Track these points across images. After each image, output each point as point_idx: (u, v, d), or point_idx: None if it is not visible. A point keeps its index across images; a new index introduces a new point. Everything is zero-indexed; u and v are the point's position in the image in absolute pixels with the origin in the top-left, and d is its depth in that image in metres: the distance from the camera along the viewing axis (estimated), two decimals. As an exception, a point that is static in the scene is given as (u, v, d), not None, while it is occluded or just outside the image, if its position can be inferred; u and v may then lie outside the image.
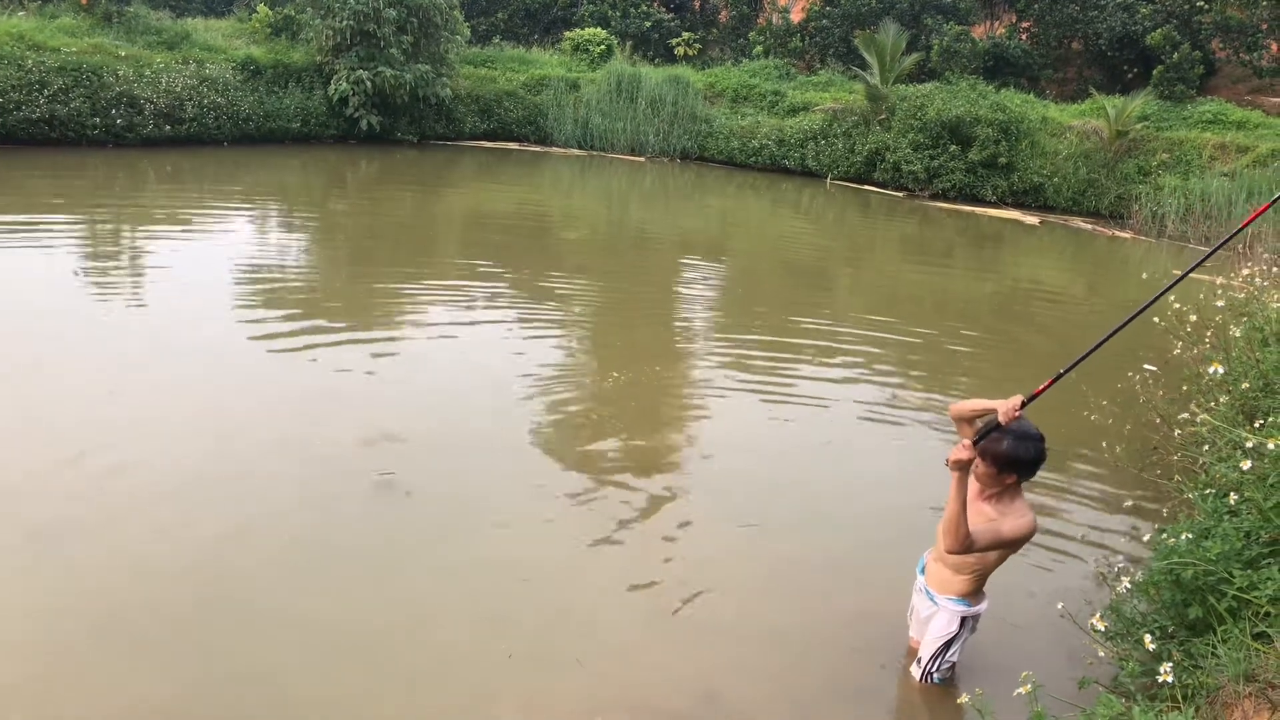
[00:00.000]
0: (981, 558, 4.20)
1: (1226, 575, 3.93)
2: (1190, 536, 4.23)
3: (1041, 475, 6.24)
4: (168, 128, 18.39)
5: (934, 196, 20.49)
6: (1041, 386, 3.82)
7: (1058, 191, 19.87)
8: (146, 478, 5.61)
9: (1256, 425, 4.75)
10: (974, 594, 4.32)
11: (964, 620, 4.34)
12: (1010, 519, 4.04)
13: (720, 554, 5.47)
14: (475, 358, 8.27)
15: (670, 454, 6.73)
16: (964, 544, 3.95)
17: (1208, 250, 4.06)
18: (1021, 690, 3.23)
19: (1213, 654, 3.68)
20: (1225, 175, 18.25)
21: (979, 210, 19.83)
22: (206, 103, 18.86)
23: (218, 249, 11.53)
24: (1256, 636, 3.65)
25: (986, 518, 4.09)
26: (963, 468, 3.87)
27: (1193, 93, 20.82)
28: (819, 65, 25.45)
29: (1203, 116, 20.02)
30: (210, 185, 16.40)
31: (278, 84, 20.37)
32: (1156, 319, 7.04)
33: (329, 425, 6.53)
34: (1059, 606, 4.42)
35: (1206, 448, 5.05)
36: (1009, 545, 4.06)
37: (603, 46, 24.99)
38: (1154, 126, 20.03)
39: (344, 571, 4.92)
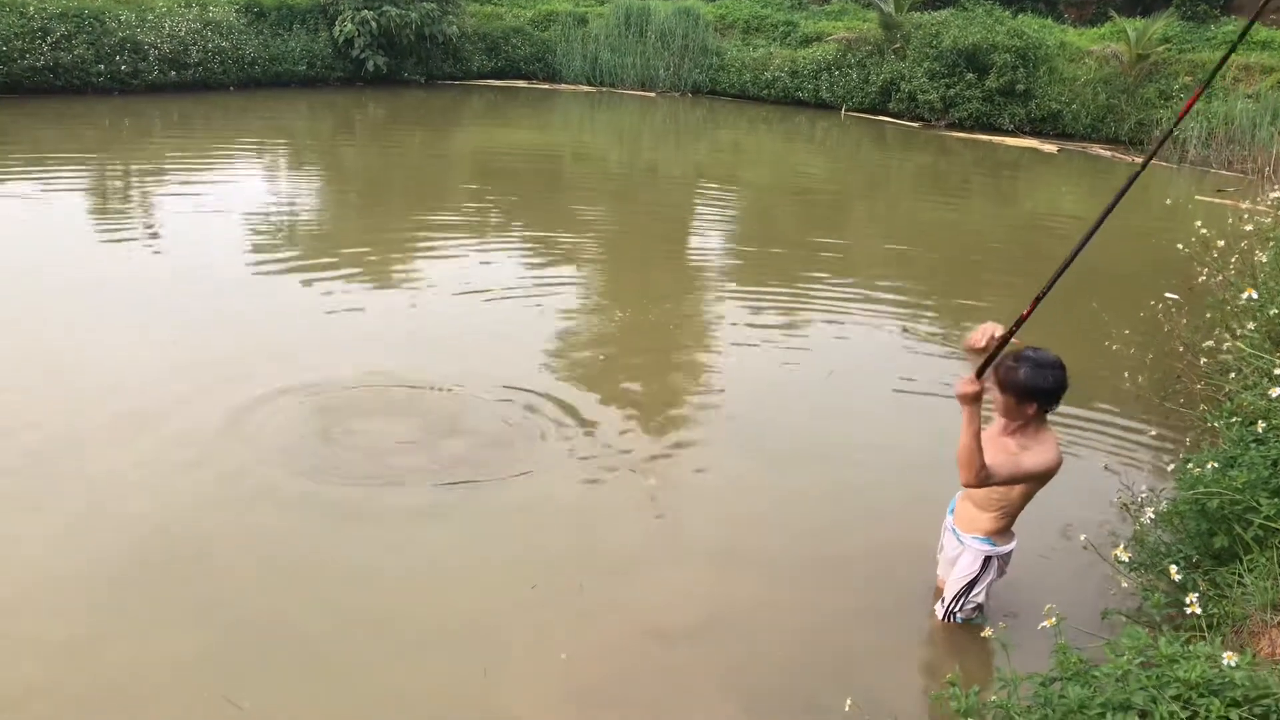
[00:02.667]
0: (1006, 494, 4.13)
1: (1253, 504, 3.88)
2: (1216, 466, 4.17)
3: (1062, 405, 6.18)
4: (173, 73, 18.18)
5: (950, 126, 20.13)
6: (1025, 311, 3.71)
7: (1076, 118, 19.48)
8: (175, 425, 5.62)
9: (1284, 352, 4.66)
10: (1000, 533, 4.26)
11: (988, 560, 4.29)
12: (1032, 453, 3.96)
13: (732, 486, 5.47)
14: (487, 299, 8.19)
15: (683, 391, 6.69)
16: (980, 477, 3.87)
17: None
18: (1046, 623, 3.19)
19: (1239, 583, 3.64)
20: (1249, 97, 17.82)
21: (996, 139, 19.49)
22: (211, 47, 18.62)
23: (228, 196, 11.40)
24: (1284, 565, 3.59)
25: (1009, 452, 4.02)
26: (970, 401, 3.76)
27: (1216, 12, 20.27)
28: (832, -7, 24.92)
29: (1227, 37, 19.47)
30: (218, 131, 16.27)
31: (282, 26, 20.05)
32: (1181, 246, 6.90)
33: (339, 367, 6.51)
34: (1082, 539, 4.38)
35: (1233, 375, 4.97)
36: (1031, 479, 3.99)
37: (611, -21, 24.49)
38: (1176, 49, 19.54)
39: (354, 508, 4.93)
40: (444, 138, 17.24)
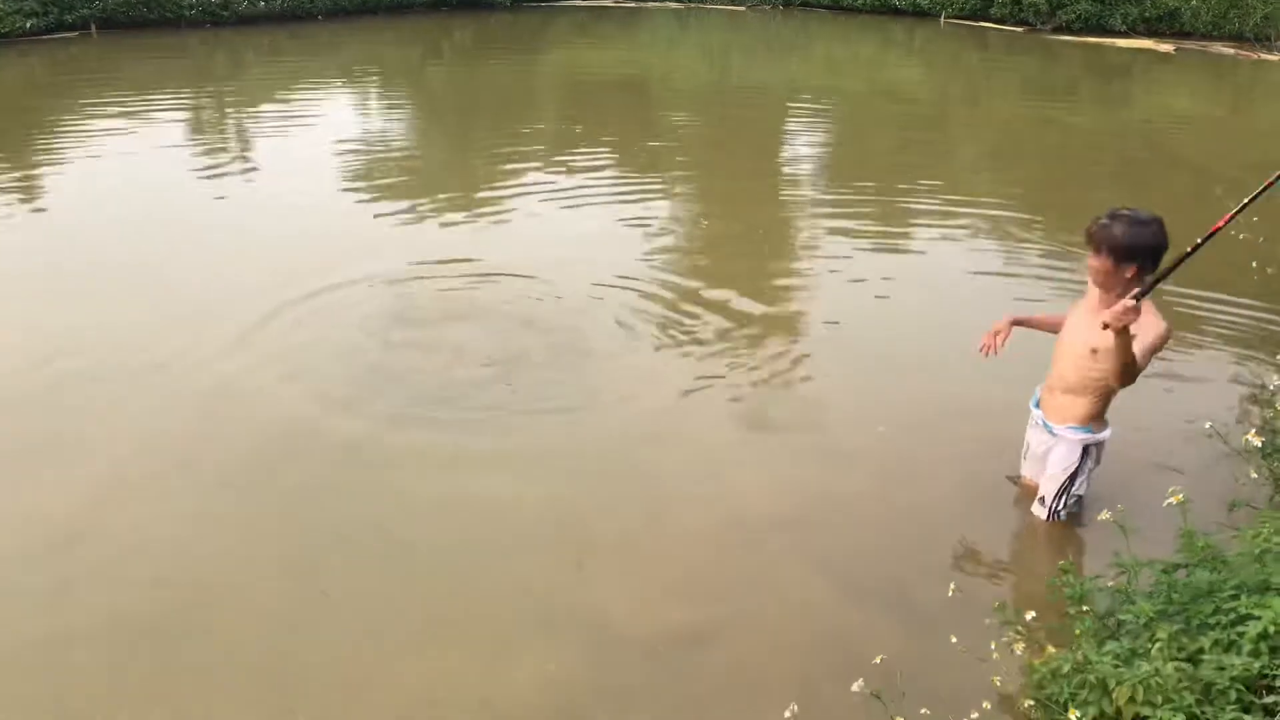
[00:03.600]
0: (1104, 376, 3.82)
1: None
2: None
3: (1182, 293, 5.82)
4: (262, 4, 18.27)
5: (1057, 29, 19.10)
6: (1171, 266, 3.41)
7: (1196, 15, 18.28)
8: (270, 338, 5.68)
9: None
10: (1097, 419, 3.98)
11: (1086, 449, 4.02)
12: (1144, 330, 3.65)
13: (825, 388, 5.30)
14: (580, 226, 7.99)
15: (778, 300, 6.46)
16: (1134, 378, 3.64)
17: None
18: (1172, 500, 2.95)
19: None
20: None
21: (1107, 41, 18.44)
22: (299, -24, 18.65)
23: (320, 128, 11.40)
24: None
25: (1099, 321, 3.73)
26: (1130, 320, 3.35)
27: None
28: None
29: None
30: (310, 61, 16.33)
31: (368, -47, 19.98)
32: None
33: (436, 288, 6.48)
34: (1207, 426, 4.08)
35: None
36: (1157, 350, 3.68)
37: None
38: (1310, -68, 18.15)
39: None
40: (532, 60, 16.98)
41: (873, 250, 7.46)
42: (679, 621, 3.54)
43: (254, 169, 9.61)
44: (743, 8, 22.01)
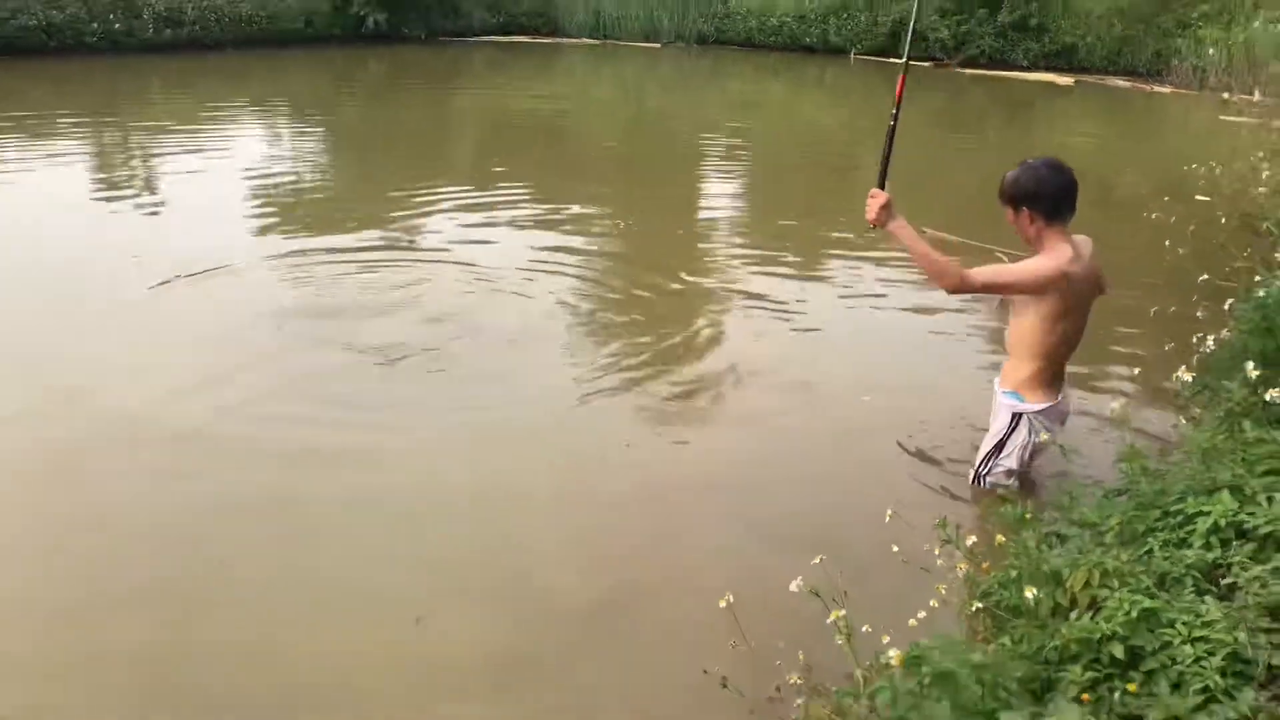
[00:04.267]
0: (1031, 336, 3.72)
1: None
2: (1283, 284, 3.83)
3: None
4: (168, 31, 17.90)
5: (963, 64, 19.67)
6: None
7: (1092, 51, 19.02)
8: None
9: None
10: (1026, 386, 3.80)
11: (1017, 418, 3.89)
12: (1029, 261, 3.62)
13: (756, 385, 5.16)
14: (491, 264, 7.24)
15: (695, 354, 6.08)
16: (957, 281, 3.60)
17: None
18: (1113, 406, 2.84)
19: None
20: (1271, 22, 17.32)
21: (1011, 75, 19.03)
22: (206, 4, 18.32)
23: (227, 158, 10.85)
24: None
25: None
26: (885, 217, 3.62)
27: (1234, -61, 19.75)
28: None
29: (1245, -36, 19.00)
30: (216, 91, 15.94)
31: (280, -17, 19.76)
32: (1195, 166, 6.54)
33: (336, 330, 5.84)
34: (1134, 372, 4.04)
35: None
36: (1025, 283, 3.60)
37: (612, -68, 24.07)
38: (1194, -23, 19.06)
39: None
40: (447, 94, 16.81)
41: (788, 277, 7.24)
42: (610, 585, 3.34)
43: (148, 197, 9.01)
44: (658, 45, 22.25)
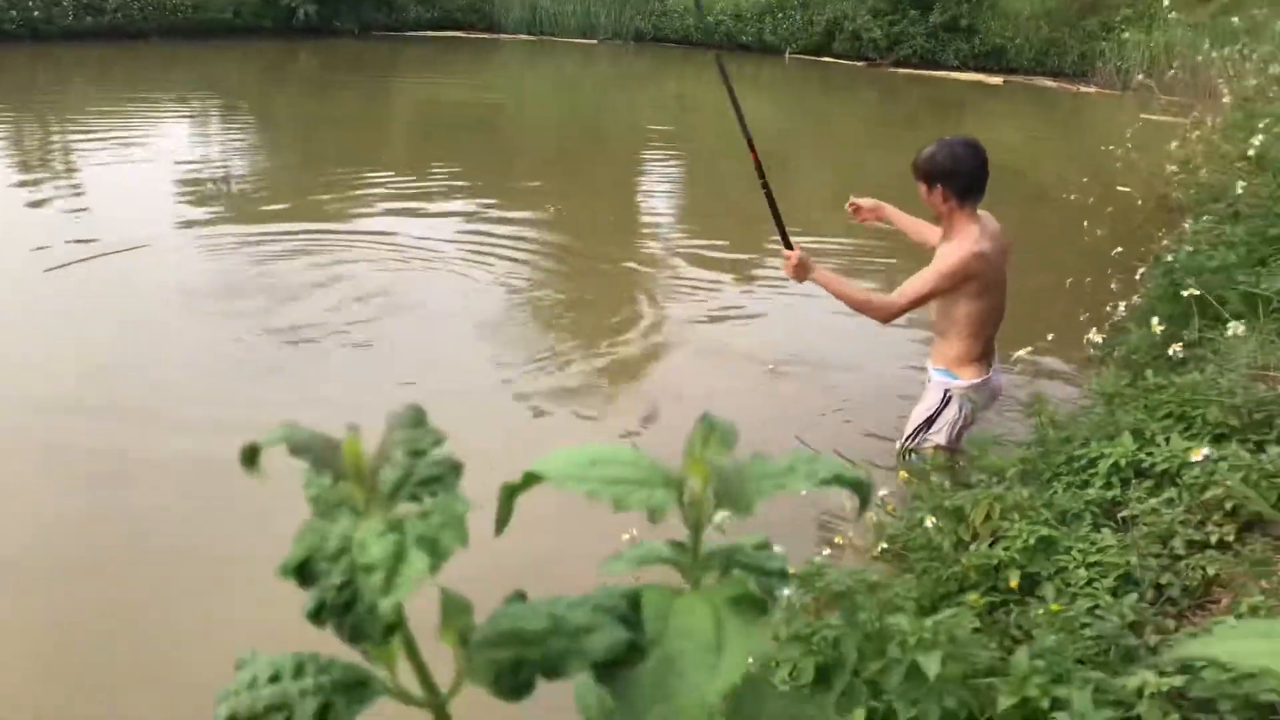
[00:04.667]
0: (953, 313, 3.77)
1: (1229, 281, 3.62)
2: (1190, 250, 3.92)
3: (1014, 252, 5.92)
4: (89, 19, 17.40)
5: (896, 64, 19.88)
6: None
7: (1020, 52, 19.33)
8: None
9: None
10: (958, 363, 3.83)
11: (949, 395, 3.92)
12: (940, 257, 3.67)
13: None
14: (418, 247, 7.25)
15: (622, 335, 5.86)
16: (888, 309, 3.67)
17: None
18: (1022, 354, 2.87)
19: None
20: (1189, 26, 17.79)
21: (942, 74, 19.30)
22: (130, -9, 17.84)
23: (150, 146, 10.57)
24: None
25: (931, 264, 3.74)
26: (804, 272, 3.68)
27: (1155, -55, 20.26)
28: (772, -62, 24.59)
29: (1165, -31, 19.50)
30: (140, 80, 15.55)
31: (207, -28, 19.32)
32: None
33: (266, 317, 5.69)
34: (1049, 338, 4.10)
35: (1203, 171, 4.73)
36: (944, 284, 3.64)
37: (547, -72, 23.96)
38: (1116, -19, 19.51)
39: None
40: (379, 88, 16.55)
41: (718, 262, 7.23)
42: (535, 553, 3.29)
43: (64, 182, 8.72)
44: (594, 41, 22.19)
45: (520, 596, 0.54)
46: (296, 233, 7.23)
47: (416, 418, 0.51)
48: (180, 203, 8.18)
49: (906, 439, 4.02)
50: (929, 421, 3.95)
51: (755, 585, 0.58)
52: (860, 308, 3.69)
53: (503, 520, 0.59)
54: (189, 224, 7.49)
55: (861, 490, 0.63)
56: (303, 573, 0.44)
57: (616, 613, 0.51)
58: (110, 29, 17.66)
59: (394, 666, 0.50)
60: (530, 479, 0.58)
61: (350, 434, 0.47)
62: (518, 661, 0.49)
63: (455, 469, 0.48)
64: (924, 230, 4.09)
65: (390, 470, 0.47)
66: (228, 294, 5.76)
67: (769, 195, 3.82)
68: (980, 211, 3.74)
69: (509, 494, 0.59)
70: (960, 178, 3.65)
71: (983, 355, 3.84)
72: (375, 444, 0.50)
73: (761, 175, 3.83)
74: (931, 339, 4.04)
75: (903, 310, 3.71)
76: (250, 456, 0.45)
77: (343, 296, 5.90)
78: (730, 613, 0.55)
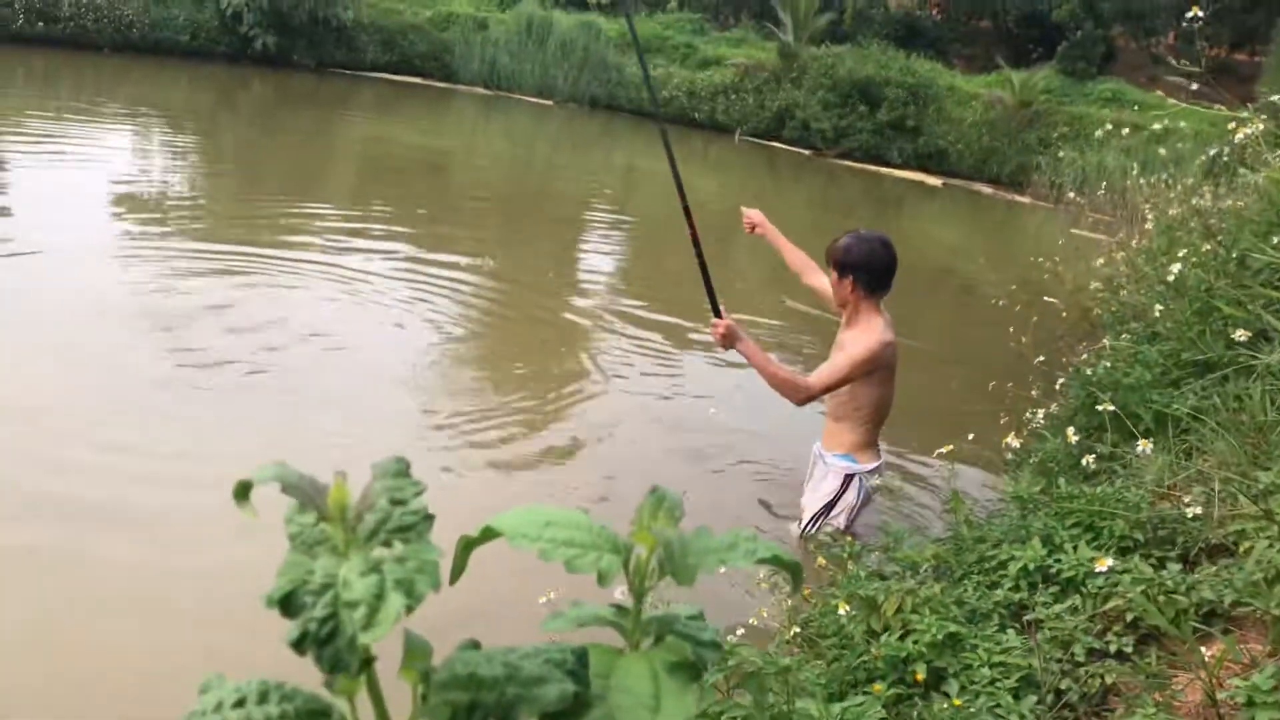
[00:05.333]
0: (855, 401, 3.90)
1: (1146, 398, 3.77)
2: (1108, 365, 4.07)
3: (941, 348, 6.12)
4: (40, 25, 17.11)
5: (841, 156, 20.47)
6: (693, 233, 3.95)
7: (961, 157, 20.05)
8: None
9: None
10: (859, 449, 3.95)
11: (849, 479, 4.01)
12: (853, 343, 3.84)
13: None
14: (360, 302, 7.00)
15: (546, 387, 5.85)
16: (804, 392, 3.79)
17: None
18: (942, 451, 2.95)
19: (1133, 459, 3.49)
20: (1122, 150, 18.62)
21: (884, 170, 19.90)
22: (85, 2, 17.61)
23: (87, 156, 10.38)
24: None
25: (839, 348, 3.90)
26: (731, 341, 3.79)
27: (1094, 71, 21.26)
28: (733, 22, 25.27)
29: (1102, 94, 20.45)
30: (87, 91, 15.33)
31: (166, -8, 19.19)
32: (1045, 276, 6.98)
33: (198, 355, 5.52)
34: (970, 438, 4.20)
35: (1124, 291, 4.93)
36: (857, 370, 3.79)
37: (514, -12, 24.32)
38: (1055, 100, 20.38)
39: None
40: (330, 125, 16.50)
41: (649, 324, 7.32)
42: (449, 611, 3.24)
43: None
44: (550, 102, 22.46)
45: (474, 645, 0.56)
46: (224, 254, 7.18)
47: (400, 469, 0.53)
48: (104, 213, 8.06)
49: (806, 524, 4.09)
50: (829, 506, 4.04)
51: (690, 653, 0.61)
52: (778, 385, 3.79)
53: (457, 571, 0.60)
54: (108, 234, 7.39)
55: (796, 574, 0.66)
56: (287, 604, 0.46)
57: (566, 666, 0.54)
58: (62, 38, 17.40)
59: (355, 700, 0.51)
60: (488, 534, 0.60)
61: (338, 479, 0.49)
62: (473, 704, 0.52)
63: (428, 519, 0.50)
64: (799, 259, 4.28)
65: (371, 515, 0.49)
66: (139, 315, 5.64)
67: (702, 264, 3.92)
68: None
69: (466, 547, 0.60)
70: (873, 273, 3.83)
71: (875, 442, 4.02)
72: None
73: (696, 245, 3.92)
74: (825, 425, 4.14)
75: (817, 394, 3.84)
76: (243, 492, 0.47)
77: (264, 327, 5.83)
78: (667, 675, 0.58)
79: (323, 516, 0.48)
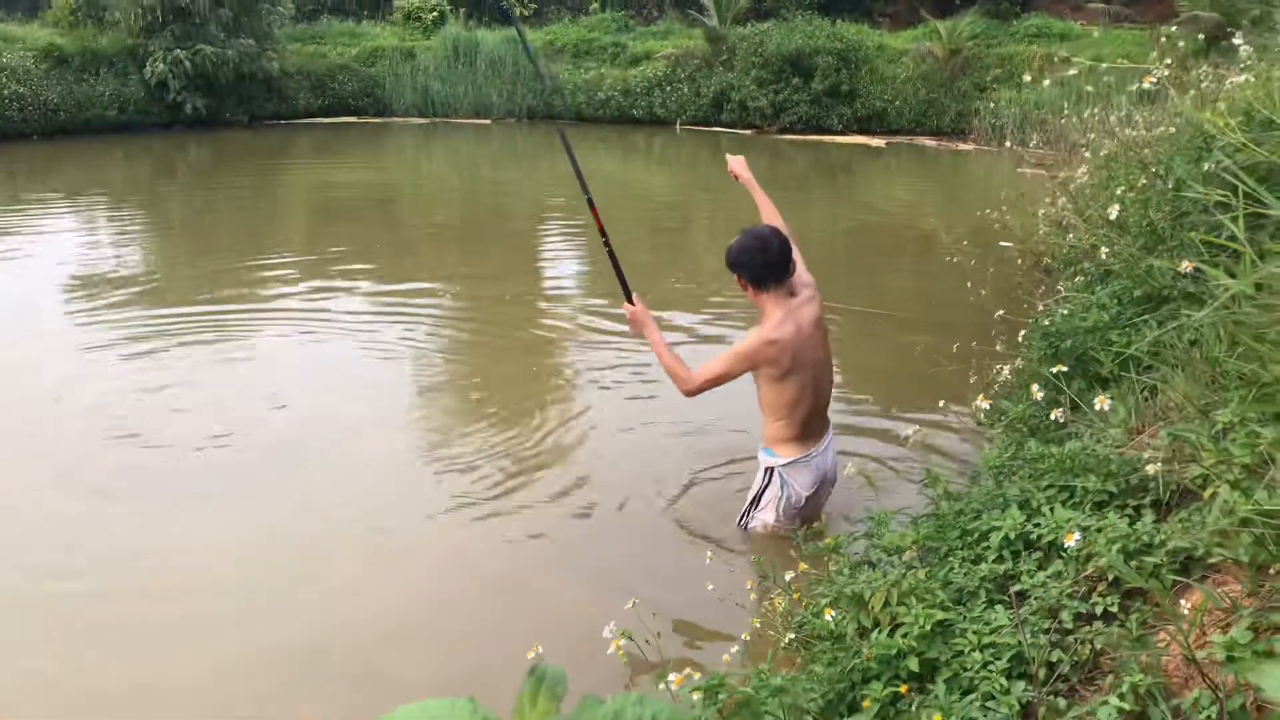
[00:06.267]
0: (763, 399, 3.92)
1: (1106, 340, 3.80)
2: (1065, 313, 4.10)
3: (904, 313, 6.16)
4: (-35, 121, 16.95)
5: (782, 131, 20.53)
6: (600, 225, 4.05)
7: (900, 114, 20.14)
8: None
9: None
10: (777, 442, 3.96)
11: (771, 473, 4.01)
12: (738, 342, 3.93)
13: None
14: (327, 351, 7.03)
15: (515, 416, 5.85)
16: (690, 382, 3.82)
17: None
18: (909, 434, 2.97)
19: (1099, 410, 3.52)
20: (1056, 84, 18.73)
21: (827, 139, 19.97)
22: (8, 93, 17.43)
23: (39, 254, 10.25)
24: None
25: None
26: (639, 326, 3.90)
27: (1017, 9, 21.40)
28: (656, 15, 25.26)
29: (1028, 31, 20.59)
30: (23, 182, 15.18)
31: (87, 71, 18.99)
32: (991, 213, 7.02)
33: (174, 422, 5.57)
34: (940, 404, 4.23)
35: (1070, 235, 4.96)
36: (741, 363, 3.85)
37: (435, 13, 24.21)
38: (984, 44, 20.48)
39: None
40: (273, 177, 16.38)
41: (612, 333, 7.29)
42: (438, 659, 3.25)
43: None
44: (488, 121, 22.41)
45: None
46: (181, 318, 7.17)
47: None
48: (53, 298, 8.04)
49: (741, 515, 4.14)
50: (755, 500, 4.08)
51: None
52: (670, 374, 3.87)
53: None
54: (59, 320, 7.37)
55: None
56: None
57: None
58: (-14, 131, 17.22)
59: None
60: None
61: None
62: None
63: None
64: (769, 215, 4.34)
65: None
66: (96, 402, 5.61)
67: (610, 251, 4.01)
68: (804, 277, 3.91)
69: None
70: (749, 269, 3.86)
71: (800, 435, 3.96)
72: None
73: (603, 233, 4.01)
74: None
75: (699, 388, 3.88)
76: None
77: (226, 394, 5.82)
78: None
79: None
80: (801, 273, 3.98)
